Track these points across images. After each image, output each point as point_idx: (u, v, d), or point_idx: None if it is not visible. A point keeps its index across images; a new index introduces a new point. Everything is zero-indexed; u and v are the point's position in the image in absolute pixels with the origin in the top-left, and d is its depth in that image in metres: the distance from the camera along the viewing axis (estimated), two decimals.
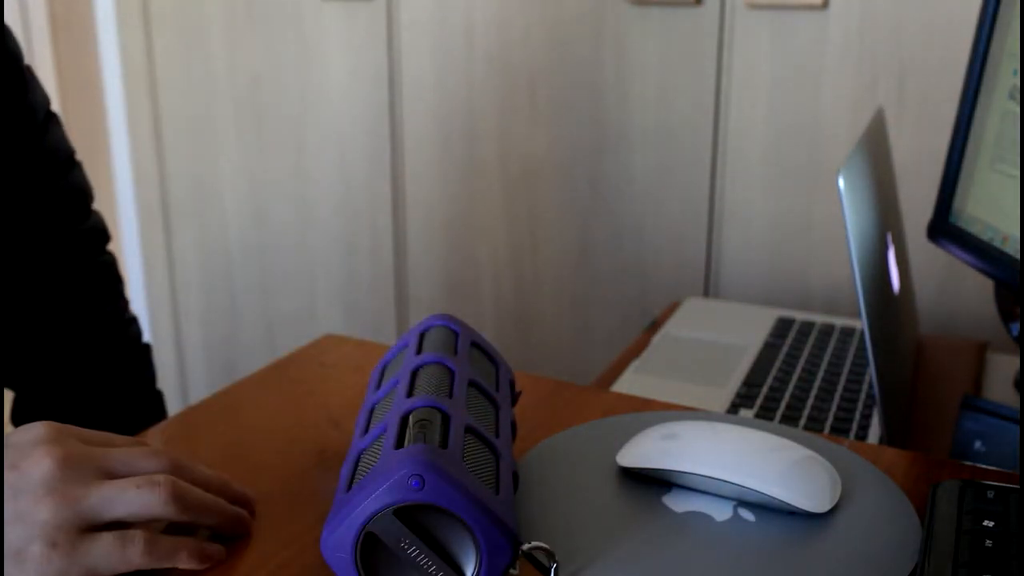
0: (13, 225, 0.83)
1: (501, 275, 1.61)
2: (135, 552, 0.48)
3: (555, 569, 0.49)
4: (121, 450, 0.52)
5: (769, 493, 0.54)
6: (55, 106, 1.81)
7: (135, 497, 0.49)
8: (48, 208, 0.85)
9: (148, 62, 1.82)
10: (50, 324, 0.88)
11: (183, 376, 1.98)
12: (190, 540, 0.51)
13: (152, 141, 1.87)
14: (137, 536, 0.49)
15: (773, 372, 0.94)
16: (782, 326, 1.05)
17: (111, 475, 0.50)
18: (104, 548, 0.48)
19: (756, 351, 0.99)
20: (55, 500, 0.47)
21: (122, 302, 0.95)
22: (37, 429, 0.51)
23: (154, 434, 0.67)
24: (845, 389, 0.91)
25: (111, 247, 0.95)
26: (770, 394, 0.90)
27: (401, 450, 0.47)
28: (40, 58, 1.80)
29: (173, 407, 1.86)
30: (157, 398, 0.97)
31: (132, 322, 0.95)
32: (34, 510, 0.47)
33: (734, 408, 0.87)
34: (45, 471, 0.48)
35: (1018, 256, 0.77)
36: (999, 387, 0.96)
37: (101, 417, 0.90)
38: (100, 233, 0.91)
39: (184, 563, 0.50)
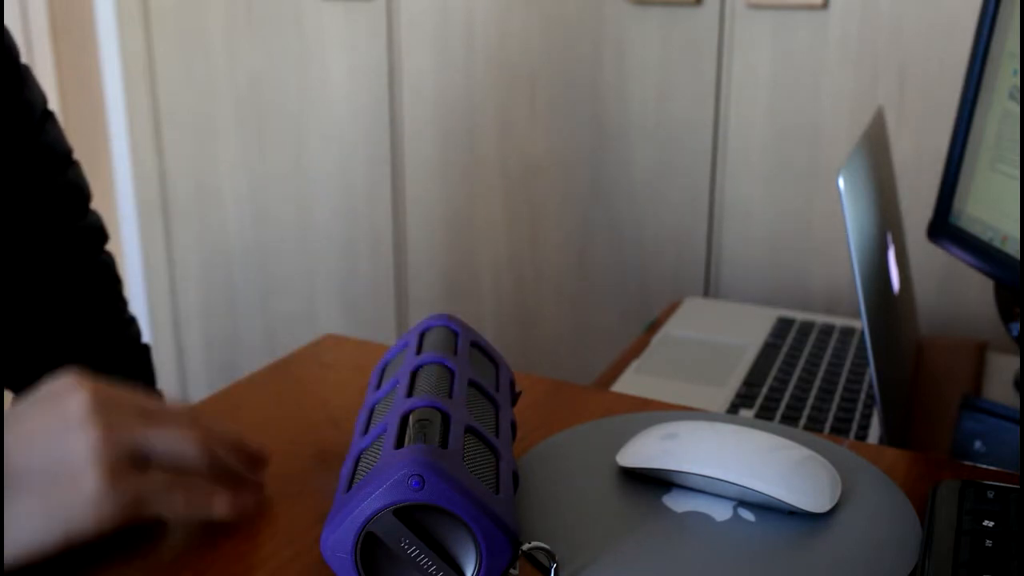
0: (10, 223, 0.83)
1: (501, 275, 1.61)
2: (179, 495, 0.49)
3: (555, 569, 0.49)
4: (153, 400, 0.52)
5: (769, 493, 0.54)
6: (55, 106, 1.81)
7: (180, 443, 0.50)
8: (45, 206, 0.85)
9: (148, 62, 1.82)
10: (48, 324, 0.88)
11: (183, 376, 1.98)
12: (224, 489, 0.52)
13: (152, 141, 1.87)
14: (181, 480, 0.49)
15: (773, 372, 0.94)
16: (782, 326, 1.05)
17: (147, 416, 0.50)
18: (155, 483, 0.48)
19: (756, 351, 0.99)
20: (105, 429, 0.47)
21: (121, 302, 0.95)
22: (66, 376, 0.50)
23: None
24: (845, 389, 0.91)
25: (111, 247, 0.95)
26: (770, 394, 0.90)
27: (401, 450, 0.47)
28: (40, 58, 1.80)
29: None
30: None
31: (131, 322, 0.95)
32: (86, 438, 0.47)
33: (734, 408, 0.87)
34: (85, 404, 0.48)
35: (1018, 256, 0.77)
36: (999, 387, 0.96)
37: None
38: (98, 232, 0.91)
39: (219, 511, 0.51)
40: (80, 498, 0.46)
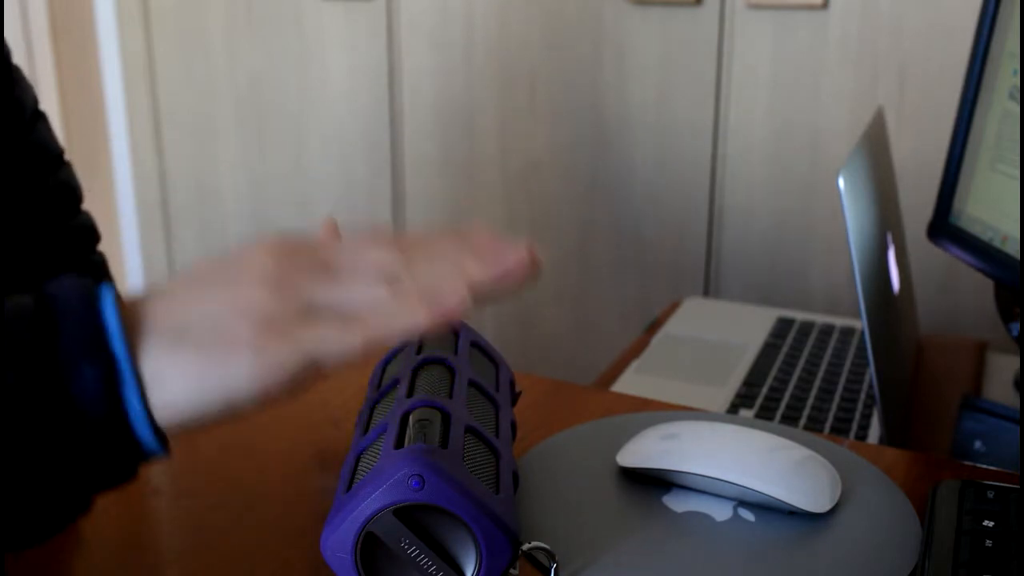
0: (1, 223, 0.83)
1: None
2: (355, 329, 0.43)
3: (555, 569, 0.49)
4: (351, 244, 0.46)
5: (769, 493, 0.54)
6: (55, 106, 1.81)
7: (363, 291, 0.44)
8: (35, 205, 0.85)
9: (148, 62, 1.82)
10: None
11: None
12: (414, 297, 0.44)
13: (152, 141, 1.87)
14: (355, 314, 0.43)
15: (773, 372, 0.94)
16: (782, 326, 1.05)
17: (329, 272, 0.45)
18: (323, 330, 0.43)
19: (756, 351, 0.99)
20: (273, 287, 0.43)
21: None
22: (255, 242, 0.46)
23: None
24: (845, 389, 0.91)
25: (110, 247, 0.95)
26: (770, 394, 0.90)
27: (401, 450, 0.47)
28: (40, 58, 1.80)
29: None
30: None
31: None
32: (250, 296, 0.43)
33: (734, 408, 0.87)
34: (264, 263, 0.44)
35: (1018, 256, 0.77)
36: (999, 387, 0.96)
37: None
38: (89, 232, 0.91)
39: (412, 322, 0.43)
40: (235, 357, 0.42)
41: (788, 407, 0.87)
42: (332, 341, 0.43)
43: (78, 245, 0.90)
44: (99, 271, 0.93)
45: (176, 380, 0.42)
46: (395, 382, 0.56)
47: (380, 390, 0.57)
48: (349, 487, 0.48)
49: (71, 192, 0.89)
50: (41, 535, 0.42)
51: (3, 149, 0.81)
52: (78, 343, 0.40)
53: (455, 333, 0.61)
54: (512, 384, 0.62)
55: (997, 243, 0.80)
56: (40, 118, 0.86)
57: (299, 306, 0.43)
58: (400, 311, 0.43)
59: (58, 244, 0.88)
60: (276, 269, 0.44)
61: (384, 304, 0.44)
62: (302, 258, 0.45)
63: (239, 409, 0.43)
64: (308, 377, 0.43)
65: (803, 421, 0.85)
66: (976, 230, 0.83)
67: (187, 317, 0.42)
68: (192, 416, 0.42)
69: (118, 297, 0.42)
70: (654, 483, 0.57)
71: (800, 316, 1.08)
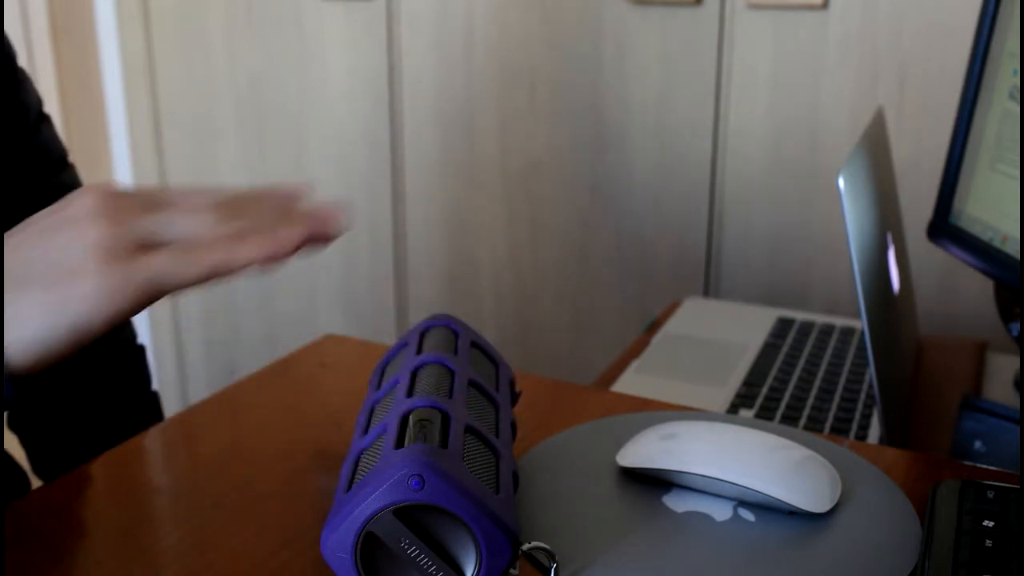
0: (4, 225, 0.83)
1: (501, 275, 1.61)
2: (195, 259, 0.47)
3: (555, 569, 0.49)
4: (169, 190, 0.51)
5: (769, 493, 0.54)
6: (55, 106, 1.81)
7: (191, 220, 0.48)
8: (39, 207, 0.85)
9: (148, 62, 1.82)
10: None
11: (183, 376, 1.98)
12: (253, 232, 0.48)
13: (152, 141, 1.87)
14: (195, 244, 0.47)
15: (773, 372, 0.94)
16: (782, 326, 1.05)
17: (157, 203, 0.49)
18: (164, 258, 0.46)
19: (756, 351, 0.99)
20: (107, 221, 0.46)
21: None
22: (81, 190, 0.50)
23: (153, 436, 0.67)
24: (845, 389, 0.91)
25: None
26: (770, 394, 0.90)
27: (401, 450, 0.47)
28: (40, 58, 1.80)
29: (173, 407, 1.86)
30: (153, 400, 0.97)
31: (125, 323, 0.95)
32: (87, 231, 0.46)
33: (734, 408, 0.87)
34: (93, 202, 0.47)
35: (1018, 256, 0.77)
36: (999, 387, 0.96)
37: (96, 419, 0.90)
38: None
39: (252, 254, 0.47)
40: (81, 289, 0.45)
41: (788, 407, 0.87)
42: (171, 265, 0.46)
43: None
44: None
45: (26, 319, 0.45)
46: (395, 382, 0.56)
47: (380, 390, 0.57)
48: (349, 487, 0.48)
49: None
50: None
51: (8, 152, 0.81)
52: None
53: (455, 333, 0.61)
54: (512, 384, 0.62)
55: (997, 243, 0.80)
56: (44, 120, 0.86)
57: (135, 237, 0.46)
58: (237, 244, 0.47)
59: None
60: (110, 206, 0.47)
61: (221, 237, 0.47)
62: (134, 198, 0.48)
63: (89, 334, 0.46)
64: (151, 299, 0.46)
65: (803, 421, 0.85)
66: (976, 230, 0.83)
67: (31, 259, 0.46)
68: (45, 348, 0.46)
69: None
70: (654, 483, 0.57)
71: (800, 316, 1.08)
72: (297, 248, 0.48)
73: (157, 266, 0.46)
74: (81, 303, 0.45)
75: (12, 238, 0.47)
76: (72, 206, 0.48)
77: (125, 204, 0.48)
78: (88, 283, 0.45)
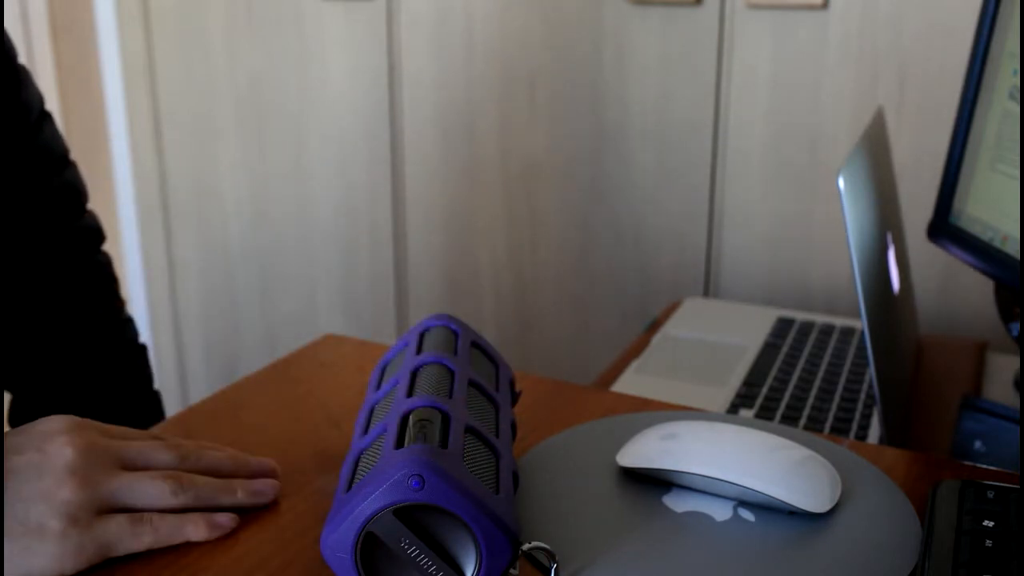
0: (6, 224, 0.83)
1: (501, 275, 1.61)
2: (145, 531, 0.53)
3: (555, 569, 0.49)
4: (137, 443, 0.57)
5: (769, 493, 0.54)
6: (55, 106, 1.81)
7: (149, 488, 0.54)
8: (41, 206, 0.85)
9: (148, 62, 1.82)
10: (45, 324, 0.88)
11: (183, 376, 1.98)
12: (196, 514, 0.54)
13: (152, 141, 1.87)
14: (146, 517, 0.53)
15: (773, 372, 0.94)
16: (782, 326, 1.05)
17: (128, 466, 0.55)
18: (118, 527, 0.52)
19: (756, 351, 0.99)
20: (77, 482, 0.52)
21: (118, 302, 0.94)
22: (59, 421, 0.55)
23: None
24: (845, 389, 0.91)
25: (111, 247, 0.95)
26: (770, 394, 0.90)
27: (401, 450, 0.47)
28: (40, 58, 1.80)
29: (173, 407, 1.86)
30: (154, 399, 0.97)
31: (128, 323, 0.95)
32: (57, 491, 0.51)
33: (734, 408, 0.87)
34: (68, 457, 0.52)
35: (1018, 256, 0.77)
36: (999, 387, 0.96)
37: (98, 418, 0.90)
38: (94, 232, 0.91)
39: (193, 535, 0.54)
40: (43, 547, 0.50)
41: (788, 407, 0.87)
42: (124, 536, 0.52)
43: (83, 246, 0.90)
44: (103, 272, 0.93)
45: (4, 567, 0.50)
46: (395, 382, 0.56)
47: (380, 390, 0.57)
48: (349, 487, 0.48)
49: (76, 193, 0.89)
50: None
51: (10, 151, 0.81)
52: None
53: (455, 333, 0.61)
54: (512, 384, 0.62)
55: (997, 243, 0.80)
56: (46, 119, 0.86)
57: (99, 503, 0.52)
58: (180, 525, 0.53)
59: (63, 244, 0.88)
60: (83, 463, 0.52)
61: (168, 517, 0.54)
62: (105, 455, 0.54)
63: None
64: (101, 559, 0.52)
65: (803, 421, 0.85)
66: (976, 230, 0.83)
67: (12, 511, 0.51)
68: None
69: None
70: (654, 483, 0.57)
71: (800, 316, 1.08)
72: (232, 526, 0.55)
73: (111, 535, 0.52)
74: (42, 558, 0.50)
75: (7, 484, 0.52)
76: (50, 453, 0.52)
77: (97, 462, 0.53)
78: (49, 543, 0.50)
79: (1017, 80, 0.78)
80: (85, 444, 0.53)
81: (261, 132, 1.75)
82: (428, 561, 0.46)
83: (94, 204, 0.93)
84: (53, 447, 0.53)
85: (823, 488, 0.55)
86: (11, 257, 0.84)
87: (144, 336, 0.97)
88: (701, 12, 1.37)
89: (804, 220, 1.38)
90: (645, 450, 0.58)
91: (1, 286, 0.84)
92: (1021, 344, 0.86)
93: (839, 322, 1.06)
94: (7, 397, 0.91)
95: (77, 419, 0.56)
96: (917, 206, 1.27)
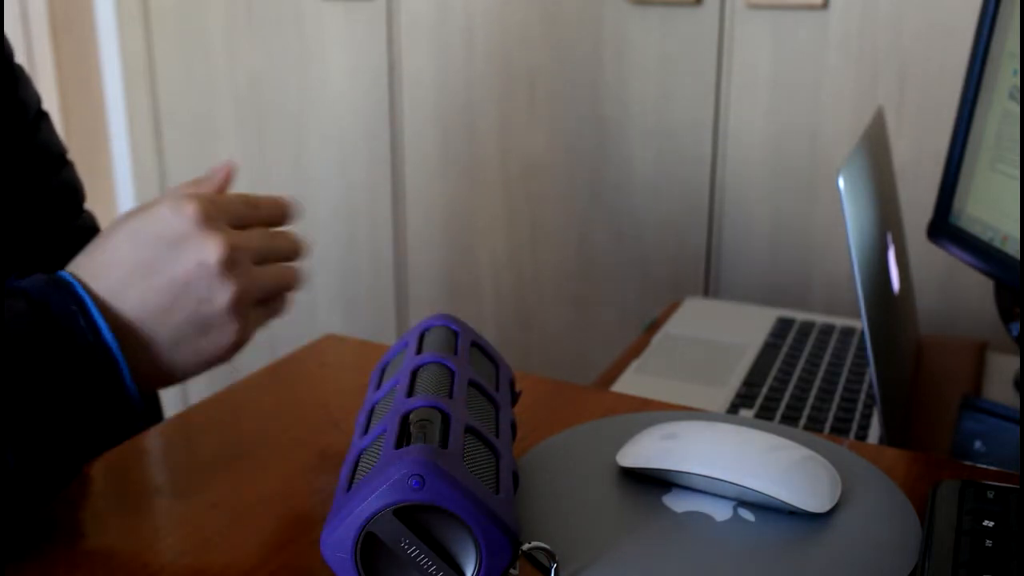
0: (3, 224, 0.83)
1: (501, 275, 1.61)
2: (280, 307, 0.69)
3: (555, 569, 0.49)
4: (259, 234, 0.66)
5: (769, 493, 0.54)
6: (55, 106, 1.81)
7: (278, 269, 0.66)
8: (39, 206, 0.85)
9: (148, 62, 1.82)
10: None
11: None
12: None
13: (152, 141, 1.87)
14: (281, 299, 0.69)
15: (773, 372, 0.94)
16: (782, 326, 1.05)
17: (260, 251, 0.64)
18: (267, 311, 0.66)
19: (756, 351, 0.99)
20: (233, 282, 0.61)
21: None
22: (176, 208, 0.61)
23: (152, 436, 0.67)
24: (845, 389, 0.91)
25: None
26: (770, 394, 0.90)
27: (401, 450, 0.47)
28: (40, 58, 1.80)
29: (173, 407, 1.86)
30: (153, 399, 0.97)
31: None
32: (219, 295, 0.60)
33: (734, 408, 0.87)
34: (216, 256, 0.60)
35: (1018, 256, 0.77)
36: (999, 387, 0.96)
37: (96, 419, 0.90)
38: (92, 232, 0.91)
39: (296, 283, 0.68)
40: (222, 341, 0.61)
41: (788, 407, 0.87)
42: (269, 315, 0.66)
43: (80, 245, 0.90)
44: None
45: (182, 364, 0.62)
46: (395, 382, 0.56)
47: (380, 390, 0.57)
48: (349, 487, 0.48)
49: (74, 192, 0.89)
50: (55, 483, 0.57)
51: (7, 151, 0.81)
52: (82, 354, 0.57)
53: (455, 333, 0.61)
54: (512, 384, 0.62)
55: (997, 243, 0.80)
56: (43, 118, 0.86)
57: (251, 298, 0.62)
58: (291, 283, 0.67)
59: (61, 245, 0.88)
60: (229, 260, 0.60)
61: (287, 279, 0.67)
62: (243, 249, 0.62)
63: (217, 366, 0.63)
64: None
65: (803, 421, 0.85)
66: (976, 230, 0.83)
67: (177, 319, 0.60)
68: (186, 378, 0.63)
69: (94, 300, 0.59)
70: (654, 483, 0.57)
71: (800, 316, 1.08)
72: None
73: (263, 318, 0.65)
74: (222, 351, 0.62)
75: (147, 284, 0.60)
76: (195, 253, 0.60)
77: (239, 257, 0.61)
78: (226, 338, 0.61)
79: (1017, 80, 0.78)
80: (223, 243, 0.61)
81: (261, 132, 1.75)
82: (428, 561, 0.46)
83: (94, 204, 0.93)
84: (193, 244, 0.60)
85: (823, 488, 0.55)
86: (8, 257, 0.84)
87: None
88: (701, 12, 1.37)
89: (804, 220, 1.38)
90: (645, 450, 0.58)
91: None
92: (1021, 344, 0.86)
93: (839, 322, 1.06)
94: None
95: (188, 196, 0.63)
96: (917, 206, 1.27)
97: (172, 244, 0.60)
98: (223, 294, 0.60)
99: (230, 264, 0.60)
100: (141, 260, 0.59)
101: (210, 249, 0.60)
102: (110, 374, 0.57)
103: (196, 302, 0.60)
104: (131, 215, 0.62)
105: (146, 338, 0.59)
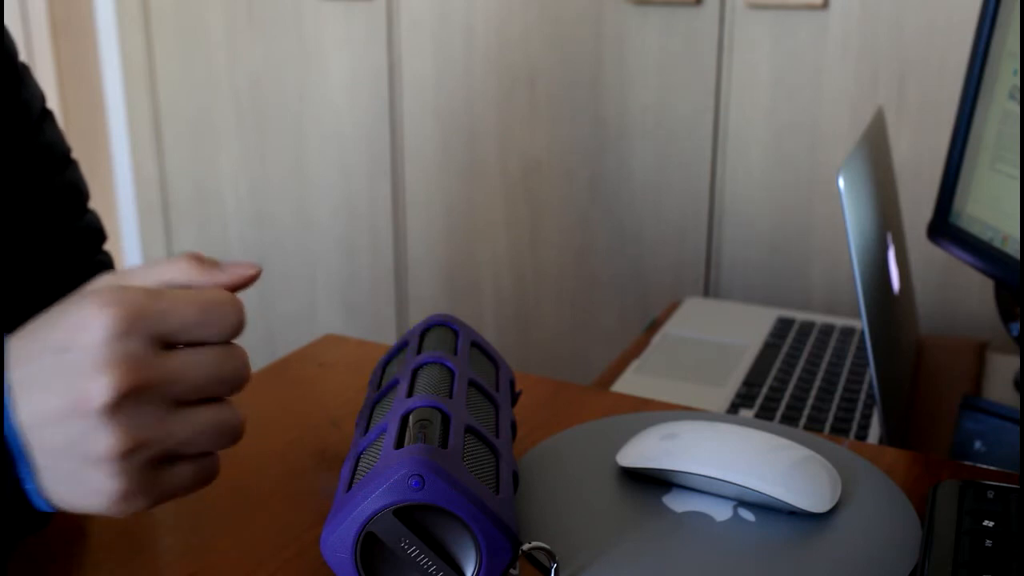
0: (7, 224, 0.83)
1: (501, 275, 1.61)
2: (194, 481, 0.50)
3: (555, 569, 0.49)
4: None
5: (769, 493, 0.54)
6: (55, 106, 1.81)
7: (199, 423, 0.49)
8: (43, 206, 0.85)
9: (148, 62, 1.82)
10: None
11: None
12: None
13: (152, 141, 1.87)
14: (200, 467, 0.50)
15: (773, 372, 0.94)
16: (782, 326, 1.05)
17: (172, 403, 0.49)
18: (176, 482, 0.49)
19: (756, 351, 0.99)
20: (125, 436, 0.47)
21: None
22: (82, 311, 0.48)
23: None
24: (845, 389, 0.91)
25: (111, 247, 0.95)
26: (770, 394, 0.90)
27: (401, 450, 0.47)
28: (40, 58, 1.80)
29: None
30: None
31: None
32: (106, 440, 0.47)
33: (734, 408, 0.87)
34: (106, 394, 0.46)
35: (1018, 256, 0.77)
36: (999, 387, 0.96)
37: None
38: (96, 232, 0.91)
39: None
40: (107, 499, 0.47)
41: (788, 407, 0.87)
42: (196, 478, 0.49)
43: (84, 245, 0.90)
44: (105, 272, 0.93)
45: (55, 496, 0.47)
46: (395, 382, 0.56)
47: (380, 390, 0.57)
48: (349, 487, 0.48)
49: (77, 192, 0.89)
50: None
51: (11, 151, 0.81)
52: None
53: (455, 333, 0.61)
54: (512, 384, 0.62)
55: (997, 243, 0.80)
56: (47, 118, 0.86)
57: (154, 455, 0.47)
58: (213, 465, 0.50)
59: (65, 244, 0.88)
60: (116, 395, 0.45)
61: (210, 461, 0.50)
62: (150, 386, 0.47)
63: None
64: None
65: (803, 421, 0.85)
66: (976, 230, 0.83)
67: (51, 444, 0.46)
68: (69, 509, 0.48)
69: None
70: (654, 483, 0.57)
71: (800, 316, 1.08)
72: None
73: (170, 489, 0.49)
74: (107, 502, 0.47)
75: (23, 401, 0.47)
76: (83, 381, 0.46)
77: (148, 398, 0.47)
78: (107, 492, 0.47)
79: (1017, 80, 0.78)
80: (127, 379, 0.47)
81: (261, 132, 1.75)
82: (428, 561, 0.46)
83: (94, 204, 0.93)
84: (88, 381, 0.47)
85: (823, 488, 0.55)
86: (12, 257, 0.84)
87: None
88: (701, 12, 1.37)
89: (804, 220, 1.38)
90: (645, 450, 0.58)
91: (2, 286, 0.84)
92: (1021, 344, 0.86)
93: (839, 322, 1.06)
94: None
95: (103, 298, 0.49)
96: (917, 206, 1.27)
97: (66, 363, 0.47)
98: (101, 442, 0.46)
99: (124, 407, 0.46)
100: (40, 364, 0.48)
101: (100, 384, 0.46)
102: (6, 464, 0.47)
103: (69, 441, 0.47)
104: (79, 297, 0.50)
105: (29, 447, 0.48)
